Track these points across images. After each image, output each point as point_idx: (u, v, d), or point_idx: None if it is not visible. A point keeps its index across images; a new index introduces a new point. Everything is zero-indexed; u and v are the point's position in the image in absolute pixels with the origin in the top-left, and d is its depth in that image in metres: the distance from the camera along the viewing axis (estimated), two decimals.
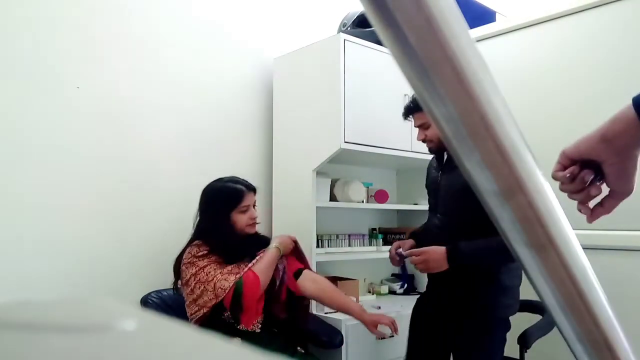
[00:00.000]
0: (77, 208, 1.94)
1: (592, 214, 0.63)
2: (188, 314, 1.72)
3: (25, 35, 1.85)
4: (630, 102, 0.56)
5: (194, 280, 1.69)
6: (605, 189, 0.61)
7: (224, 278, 1.67)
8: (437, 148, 1.77)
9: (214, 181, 1.87)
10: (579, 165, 0.60)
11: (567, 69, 2.46)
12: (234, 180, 1.85)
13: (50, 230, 1.87)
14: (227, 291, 1.64)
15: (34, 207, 1.84)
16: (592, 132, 0.58)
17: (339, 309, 1.91)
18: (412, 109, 1.80)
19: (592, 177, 0.59)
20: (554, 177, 0.62)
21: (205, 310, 1.66)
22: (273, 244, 1.81)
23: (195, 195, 2.15)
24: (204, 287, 1.67)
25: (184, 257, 1.75)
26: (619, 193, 0.59)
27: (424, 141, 1.78)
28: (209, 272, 1.69)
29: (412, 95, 1.83)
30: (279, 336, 1.83)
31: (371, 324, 1.79)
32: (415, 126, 1.81)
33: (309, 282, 1.86)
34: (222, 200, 1.80)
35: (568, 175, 0.60)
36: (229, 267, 1.71)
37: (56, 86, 1.92)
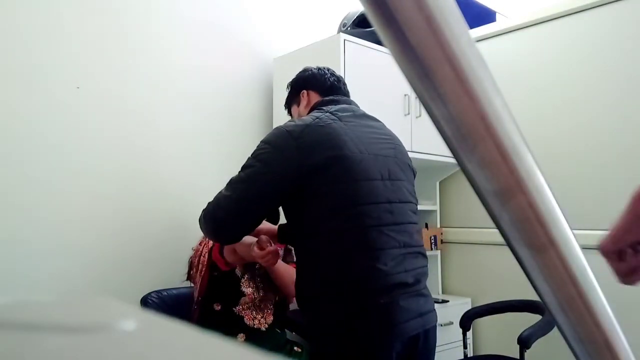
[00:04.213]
0: (76, 208, 1.94)
1: None
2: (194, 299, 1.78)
3: (25, 34, 1.85)
4: None
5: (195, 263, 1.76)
6: None
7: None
8: None
9: None
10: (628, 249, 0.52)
11: (567, 69, 2.46)
12: None
13: (50, 231, 1.87)
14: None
15: (33, 207, 1.84)
16: (622, 218, 0.51)
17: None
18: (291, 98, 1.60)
19: None
20: (621, 277, 0.52)
21: (198, 288, 1.72)
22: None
23: (195, 195, 2.14)
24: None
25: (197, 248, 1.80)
26: None
27: None
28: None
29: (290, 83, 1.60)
30: (282, 335, 1.84)
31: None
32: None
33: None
34: None
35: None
36: None
37: (56, 86, 1.92)
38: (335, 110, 1.37)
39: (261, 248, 1.35)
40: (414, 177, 1.48)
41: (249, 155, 1.31)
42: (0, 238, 1.77)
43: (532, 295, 1.59)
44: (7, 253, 1.77)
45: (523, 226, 0.30)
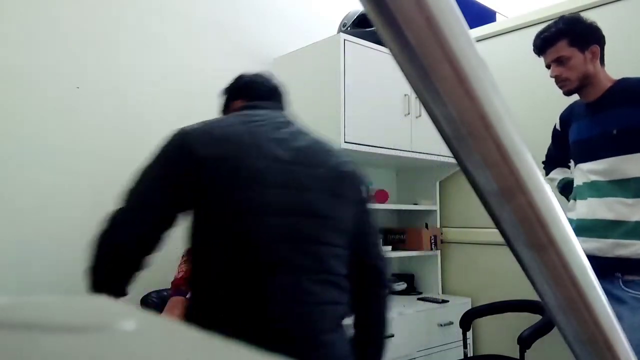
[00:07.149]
0: (76, 208, 1.94)
1: None
2: None
3: (25, 35, 1.85)
4: None
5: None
6: None
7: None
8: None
9: None
10: None
11: None
12: None
13: (50, 230, 1.87)
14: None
15: (32, 206, 1.84)
16: None
17: None
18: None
19: None
20: None
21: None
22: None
23: None
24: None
25: None
26: None
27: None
28: None
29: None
30: None
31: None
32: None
33: None
34: None
35: None
36: None
37: (56, 86, 1.92)
38: (248, 114, 1.25)
39: None
40: (362, 198, 1.32)
41: None
42: (0, 238, 1.77)
43: (532, 295, 1.58)
44: (7, 253, 1.77)
45: (523, 226, 0.30)
